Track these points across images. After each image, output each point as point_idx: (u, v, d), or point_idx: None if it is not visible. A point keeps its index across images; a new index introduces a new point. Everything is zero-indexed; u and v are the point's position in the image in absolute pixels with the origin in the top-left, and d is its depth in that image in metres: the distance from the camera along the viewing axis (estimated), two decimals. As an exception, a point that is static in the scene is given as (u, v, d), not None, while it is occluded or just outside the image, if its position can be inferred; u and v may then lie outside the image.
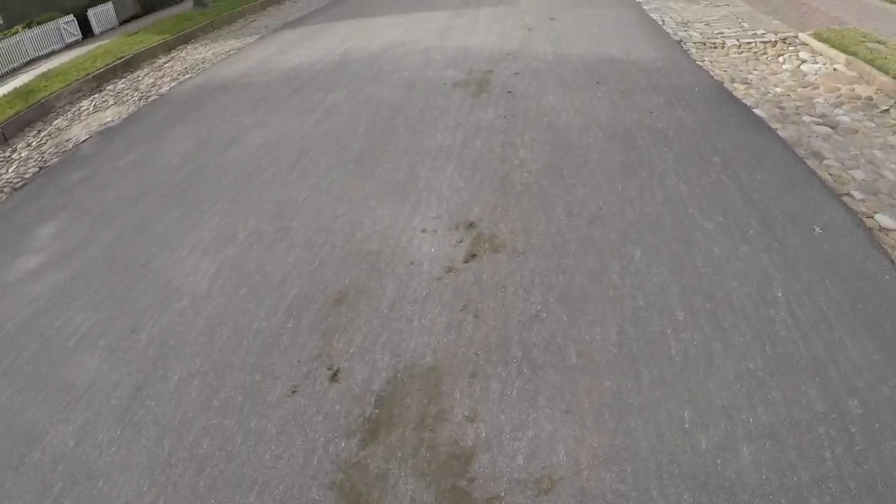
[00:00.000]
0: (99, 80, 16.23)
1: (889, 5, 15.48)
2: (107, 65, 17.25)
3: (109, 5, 32.04)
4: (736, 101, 8.43)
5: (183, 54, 18.28)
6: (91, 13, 31.07)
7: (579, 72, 9.95)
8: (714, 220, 5.56)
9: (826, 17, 13.07)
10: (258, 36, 17.95)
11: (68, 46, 28.58)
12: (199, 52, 17.82)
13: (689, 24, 12.87)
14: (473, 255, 5.51)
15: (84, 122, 12.01)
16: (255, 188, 7.61)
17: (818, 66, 9.77)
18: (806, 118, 7.80)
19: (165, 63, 17.39)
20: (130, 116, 11.92)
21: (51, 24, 29.21)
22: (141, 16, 32.87)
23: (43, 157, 10.51)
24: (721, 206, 5.75)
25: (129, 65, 17.64)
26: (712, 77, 9.44)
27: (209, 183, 8.08)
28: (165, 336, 5.22)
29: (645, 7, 14.74)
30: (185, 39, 20.55)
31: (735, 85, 9.16)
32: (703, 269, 4.96)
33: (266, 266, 5.88)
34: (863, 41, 10.11)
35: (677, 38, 11.65)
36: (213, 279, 5.83)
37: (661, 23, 12.99)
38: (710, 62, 10.41)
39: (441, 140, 8.11)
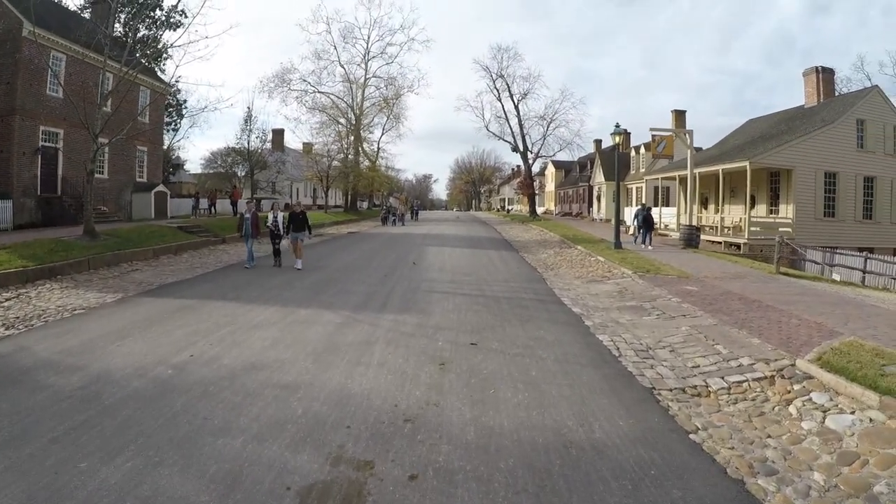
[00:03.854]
0: None
1: (863, 296, 14.46)
2: None
3: (8, 203, 29.05)
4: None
5: (33, 293, 15.17)
6: None
7: (518, 479, 5.53)
8: None
9: (808, 325, 10.69)
10: (120, 296, 15.11)
11: None
12: (48, 298, 14.70)
13: (650, 350, 9.91)
14: None
15: None
16: None
17: (848, 417, 6.69)
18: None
19: (7, 300, 14.19)
20: None
21: None
22: (38, 225, 29.97)
23: None
24: None
25: None
26: (726, 473, 5.73)
27: None
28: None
29: (587, 323, 12.07)
30: (49, 274, 17.46)
31: (758, 481, 5.59)
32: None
33: None
34: (881, 362, 7.85)
35: (646, 383, 8.24)
36: None
37: (615, 352, 9.84)
38: (707, 431, 6.67)
39: None
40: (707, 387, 8.04)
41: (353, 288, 16.08)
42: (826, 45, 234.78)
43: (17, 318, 12.38)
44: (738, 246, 30.00)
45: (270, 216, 21.79)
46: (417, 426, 6.51)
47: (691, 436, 6.41)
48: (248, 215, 21.02)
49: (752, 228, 29.96)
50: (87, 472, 5.43)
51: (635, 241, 29.27)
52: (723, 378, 8.30)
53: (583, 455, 5.85)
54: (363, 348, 9.74)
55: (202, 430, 6.36)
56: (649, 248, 26.98)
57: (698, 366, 8.92)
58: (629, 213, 41.39)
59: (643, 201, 35.88)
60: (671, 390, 7.94)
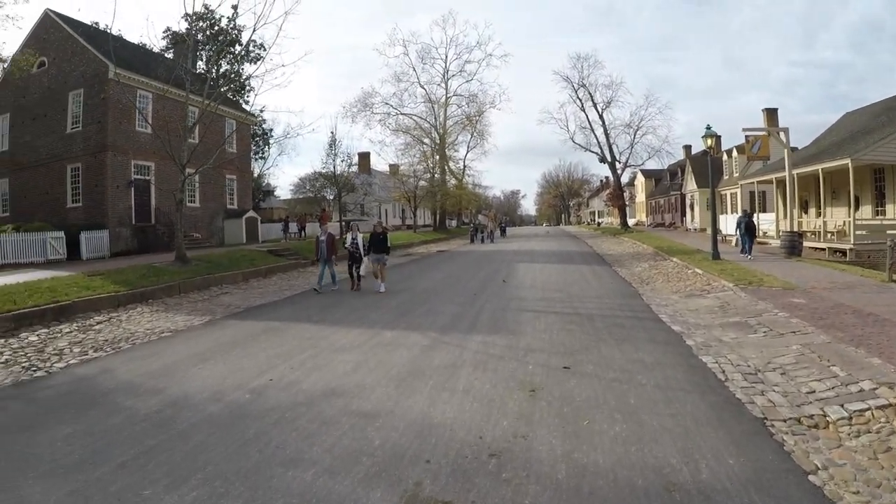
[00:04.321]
0: (18, 322, 13.77)
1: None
2: (37, 306, 14.81)
3: (104, 233, 30.30)
4: None
5: (124, 317, 15.48)
6: (84, 237, 29.30)
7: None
8: None
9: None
10: (207, 319, 15.18)
11: (49, 263, 26.42)
12: (138, 321, 14.92)
13: (759, 373, 8.77)
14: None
15: None
16: None
17: None
18: None
19: (98, 323, 14.51)
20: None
21: (38, 236, 27.57)
22: (134, 252, 31.06)
23: None
24: None
25: (61, 313, 15.07)
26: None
27: None
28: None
29: (689, 343, 10.99)
30: (140, 298, 17.79)
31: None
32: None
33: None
34: None
35: (757, 412, 7.33)
36: None
37: (721, 375, 8.70)
38: (827, 472, 5.71)
39: None
40: (825, 416, 6.99)
41: (441, 308, 15.56)
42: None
43: (106, 340, 12.56)
44: (843, 252, 27.81)
45: (349, 237, 20.66)
46: (503, 462, 5.86)
47: (810, 477, 5.56)
48: (322, 237, 20.46)
49: (858, 232, 27.55)
50: (150, 501, 5.17)
51: (743, 251, 27.06)
52: (842, 406, 7.24)
53: (688, 501, 5.10)
54: (449, 372, 9.14)
55: (272, 460, 5.98)
56: (750, 257, 25.43)
57: (814, 391, 7.86)
58: (726, 222, 39.76)
59: (745, 208, 33.55)
60: (785, 421, 6.94)
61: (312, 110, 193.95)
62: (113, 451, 6.26)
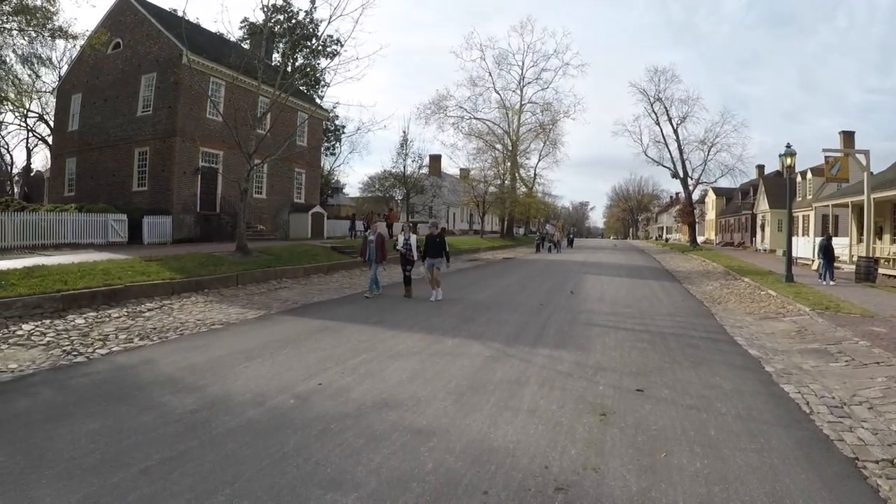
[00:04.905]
0: (66, 304, 13.48)
1: None
2: (90, 287, 14.52)
3: (168, 219, 30.33)
4: None
5: (176, 305, 15.08)
6: (146, 221, 29.51)
7: None
8: None
9: None
10: (262, 313, 14.67)
11: (110, 245, 26.72)
12: (190, 311, 14.48)
13: (845, 407, 7.93)
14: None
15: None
16: None
17: None
18: None
19: (150, 310, 14.13)
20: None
21: (100, 217, 27.83)
22: (196, 240, 31.04)
23: None
24: None
25: (112, 297, 14.78)
26: None
27: None
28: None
29: (768, 369, 10.00)
30: (196, 287, 17.43)
31: None
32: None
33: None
34: None
35: (847, 451, 6.38)
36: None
37: (805, 408, 7.89)
38: None
39: None
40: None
41: (506, 317, 14.62)
42: None
43: (155, 328, 12.21)
44: None
45: (401, 238, 18.66)
46: (570, 498, 5.04)
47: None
48: (372, 237, 18.47)
49: None
50: None
51: (821, 276, 25.42)
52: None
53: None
54: (512, 389, 8.30)
55: (311, 479, 5.24)
56: (831, 283, 23.82)
57: (917, 436, 6.99)
58: (797, 244, 38.02)
59: (828, 231, 31.80)
60: (877, 462, 6.11)
61: (384, 109, 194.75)
62: (137, 453, 5.64)
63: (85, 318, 12.67)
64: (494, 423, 6.84)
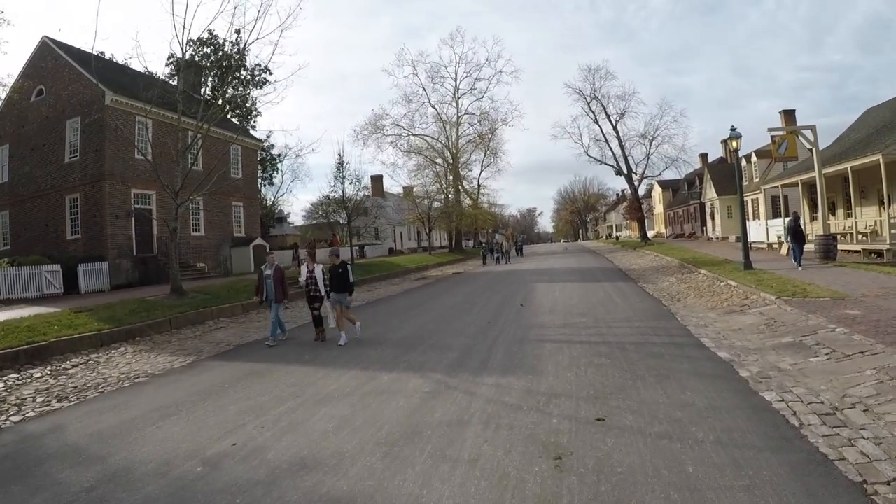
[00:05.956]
0: None
1: None
2: (12, 347, 13.66)
3: (104, 266, 29.09)
4: None
5: (104, 358, 14.16)
6: (81, 269, 28.07)
7: None
8: None
9: None
10: (191, 360, 13.72)
11: (45, 298, 25.28)
12: (117, 364, 13.60)
13: (837, 413, 6.98)
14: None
15: None
16: None
17: None
18: None
19: (74, 367, 13.29)
20: None
21: (33, 270, 26.43)
22: (135, 285, 30.02)
23: None
24: None
25: (36, 355, 13.91)
26: None
27: None
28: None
29: (743, 374, 9.05)
30: (126, 336, 16.41)
31: None
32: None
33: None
34: None
35: (852, 473, 5.40)
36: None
37: (793, 419, 6.91)
38: None
39: None
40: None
41: (450, 341, 13.54)
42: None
43: (76, 388, 11.37)
44: (878, 253, 26.19)
45: (304, 271, 15.70)
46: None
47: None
48: (268, 271, 15.28)
49: (893, 231, 25.81)
50: None
51: (795, 260, 23.88)
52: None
53: None
54: (452, 432, 7.20)
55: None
56: (800, 268, 22.49)
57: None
58: (751, 228, 37.92)
59: (795, 210, 31.00)
60: (889, 483, 5.17)
61: (327, 135, 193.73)
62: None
63: (5, 382, 11.83)
64: (428, 481, 5.84)
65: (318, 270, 15.30)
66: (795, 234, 23.86)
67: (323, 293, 15.16)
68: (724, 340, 11.96)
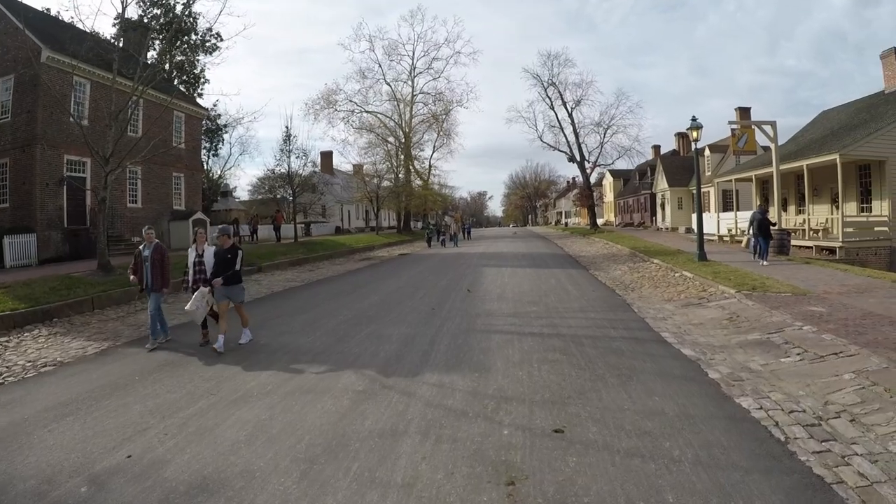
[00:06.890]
0: None
1: None
2: None
3: (32, 238, 27.17)
4: None
5: (13, 343, 12.90)
6: (7, 241, 26.01)
7: None
8: None
9: None
10: (106, 345, 12.44)
11: None
12: (26, 349, 12.31)
13: (822, 423, 6.41)
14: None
15: None
16: None
17: None
18: None
19: None
20: None
21: None
22: (66, 259, 28.31)
23: None
24: None
25: None
26: None
27: None
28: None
29: (713, 376, 8.43)
30: (43, 317, 15.13)
31: None
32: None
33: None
34: None
35: (854, 501, 4.73)
36: None
37: (777, 431, 6.23)
38: None
39: None
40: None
41: (390, 330, 12.42)
42: (879, 36, 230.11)
43: None
44: (831, 250, 26.74)
45: (192, 254, 12.04)
46: None
47: None
48: (147, 251, 12.14)
49: (846, 230, 26.53)
50: None
51: (757, 254, 22.95)
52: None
53: None
54: (385, 446, 6.16)
55: None
56: (764, 263, 21.69)
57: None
58: (705, 220, 37.71)
59: (760, 202, 30.66)
60: None
61: (279, 110, 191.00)
62: None
63: None
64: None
65: (210, 254, 11.85)
66: (761, 226, 22.71)
67: (191, 282, 11.96)
68: (687, 336, 11.28)
